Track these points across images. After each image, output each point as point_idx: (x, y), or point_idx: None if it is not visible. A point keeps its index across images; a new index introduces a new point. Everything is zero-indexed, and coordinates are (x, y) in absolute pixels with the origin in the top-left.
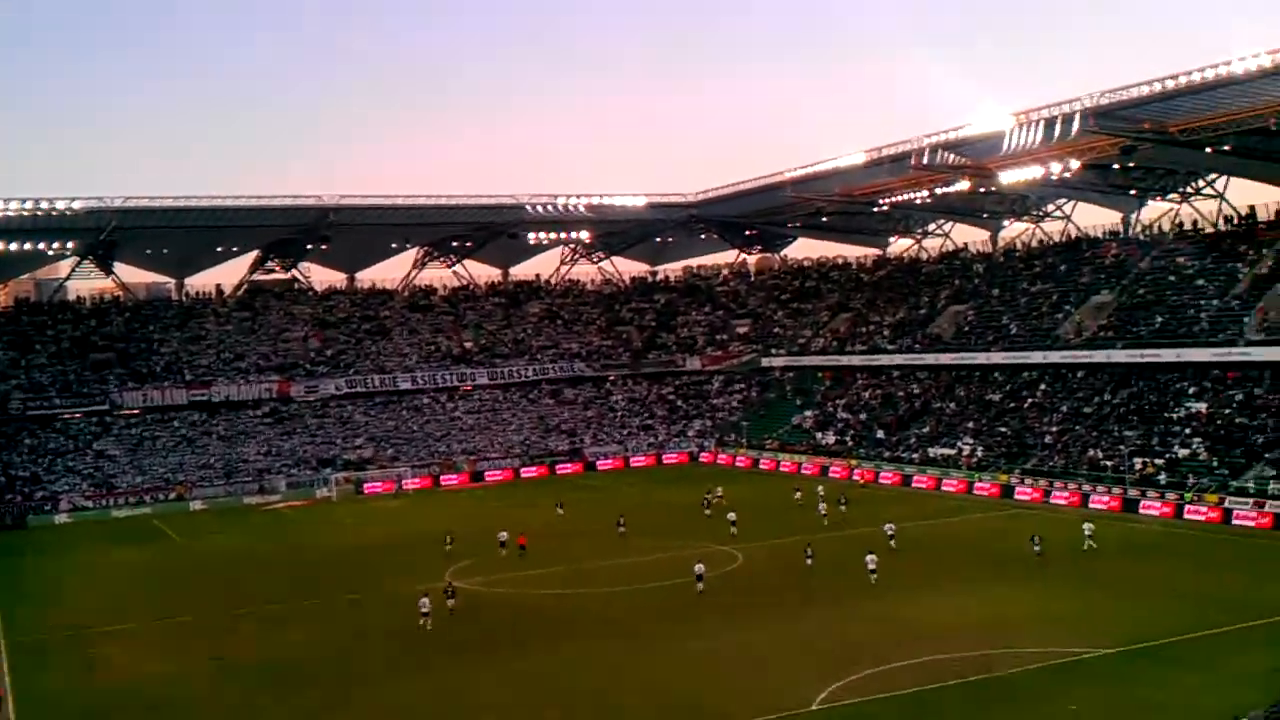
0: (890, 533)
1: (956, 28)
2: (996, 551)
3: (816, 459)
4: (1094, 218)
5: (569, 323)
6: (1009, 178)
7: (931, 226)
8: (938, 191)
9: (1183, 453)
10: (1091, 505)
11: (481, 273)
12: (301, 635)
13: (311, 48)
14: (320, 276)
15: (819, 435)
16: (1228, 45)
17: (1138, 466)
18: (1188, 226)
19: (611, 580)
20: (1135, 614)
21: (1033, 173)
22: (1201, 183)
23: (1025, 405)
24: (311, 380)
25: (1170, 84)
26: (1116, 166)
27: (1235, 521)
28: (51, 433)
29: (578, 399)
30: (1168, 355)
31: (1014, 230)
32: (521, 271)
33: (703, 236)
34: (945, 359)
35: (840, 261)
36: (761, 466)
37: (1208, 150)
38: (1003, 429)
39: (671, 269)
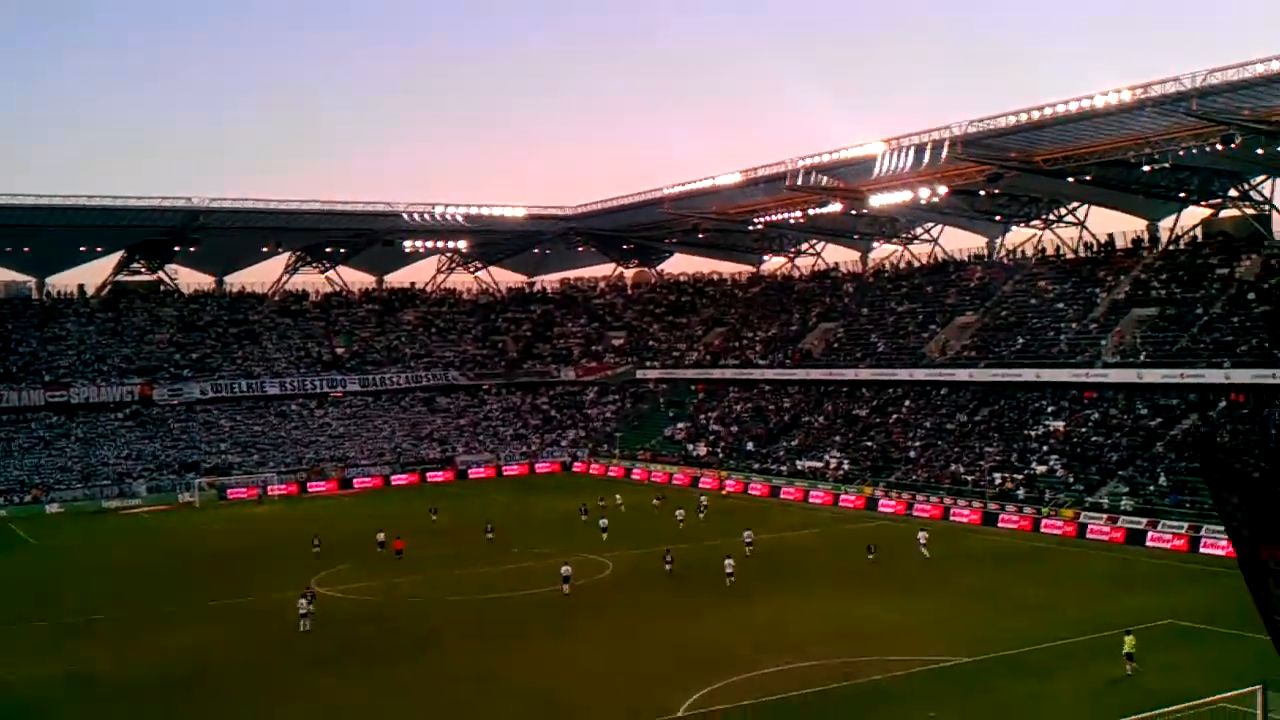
0: (748, 540)
1: (833, 56)
2: (860, 562)
3: (688, 470)
4: (960, 241)
5: (444, 331)
6: (879, 201)
7: (804, 246)
8: (811, 212)
9: (1040, 469)
10: (953, 518)
11: (356, 279)
12: (160, 643)
13: (187, 48)
14: (188, 279)
15: (691, 447)
16: (1090, 80)
17: (997, 481)
18: (1050, 252)
19: (483, 587)
20: (993, 623)
21: (902, 197)
22: (1064, 210)
23: (891, 420)
24: (175, 384)
25: (1036, 115)
26: (983, 193)
27: (1090, 536)
28: None
29: (451, 407)
30: (1028, 375)
31: (883, 252)
32: (397, 279)
33: (580, 249)
34: (815, 374)
35: (715, 277)
36: (634, 476)
37: (1070, 180)
38: (869, 443)
39: (549, 280)
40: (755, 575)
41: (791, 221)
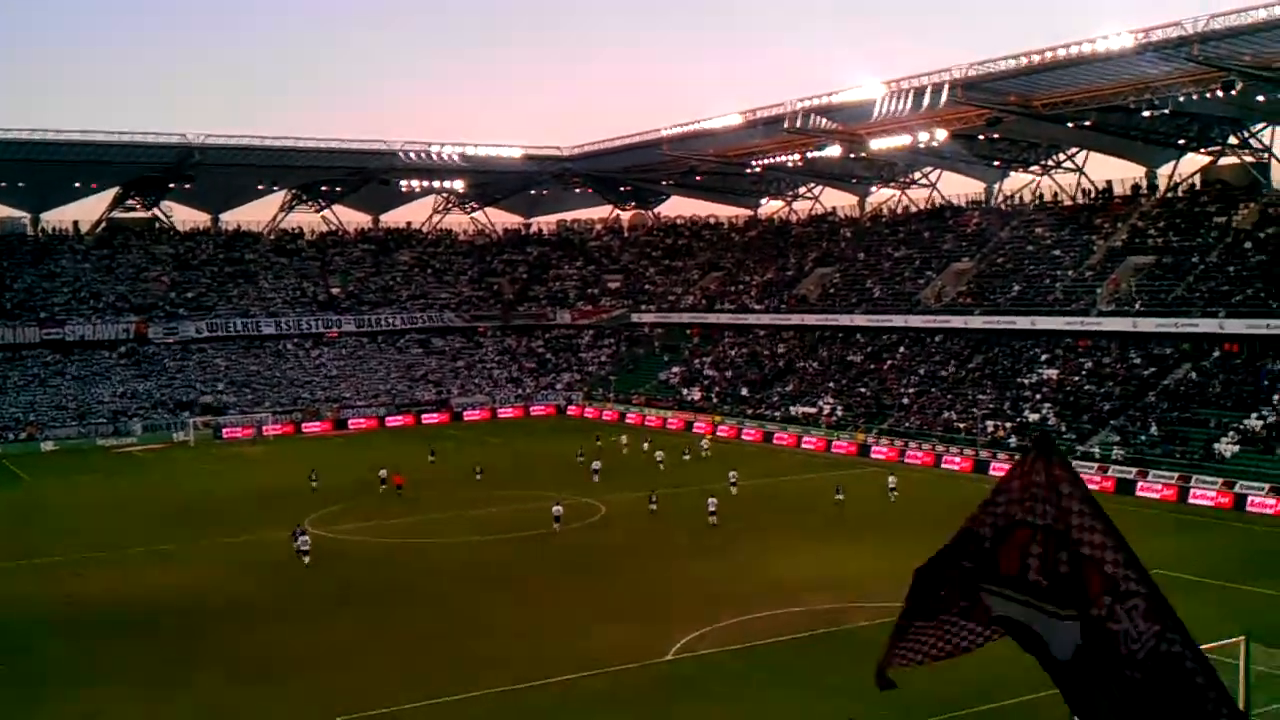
0: (733, 481)
1: None
2: (851, 508)
3: (682, 414)
4: (958, 187)
5: (440, 272)
6: (878, 144)
7: (802, 190)
8: (809, 155)
9: (1033, 417)
10: (944, 466)
11: (351, 219)
12: (156, 580)
13: None
14: (183, 216)
15: (685, 391)
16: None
17: (989, 429)
18: (1047, 199)
19: (477, 528)
20: None
21: (901, 140)
22: (1062, 156)
23: (885, 367)
24: (171, 322)
25: (1036, 59)
26: (981, 138)
27: None
28: None
29: (446, 349)
30: (1023, 323)
31: (881, 196)
32: (392, 219)
33: (577, 191)
34: (810, 320)
35: (712, 221)
36: (628, 420)
37: (1069, 125)
38: (862, 389)
39: (545, 222)
40: (745, 520)
41: (790, 165)
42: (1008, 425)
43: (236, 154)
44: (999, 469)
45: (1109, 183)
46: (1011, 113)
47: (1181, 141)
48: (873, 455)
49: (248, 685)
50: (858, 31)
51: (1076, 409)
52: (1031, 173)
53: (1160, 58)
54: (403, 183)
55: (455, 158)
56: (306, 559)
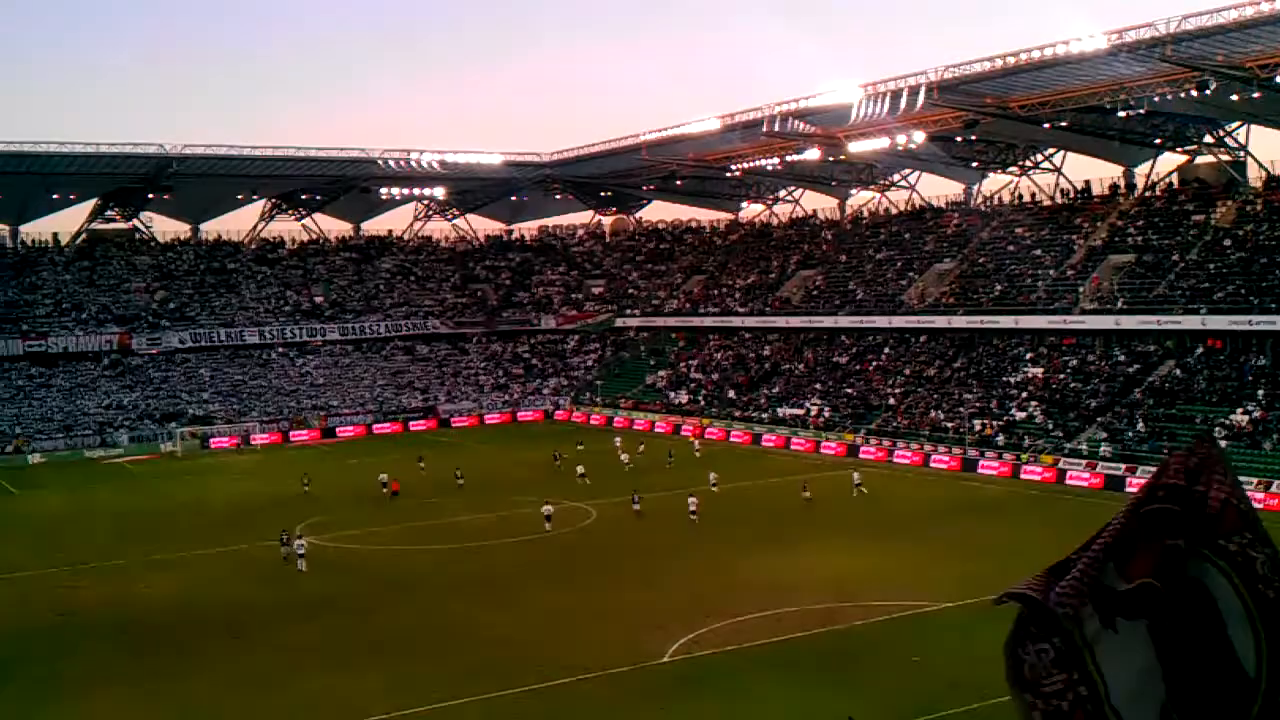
0: (713, 482)
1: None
2: (841, 509)
3: (670, 418)
4: (938, 188)
5: (423, 279)
6: (857, 147)
7: (782, 193)
8: (789, 159)
9: (1020, 415)
10: (933, 465)
11: (332, 227)
12: (150, 590)
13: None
14: (163, 227)
15: (672, 394)
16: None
17: (977, 428)
18: (1026, 199)
19: (467, 535)
20: (973, 569)
21: (880, 143)
22: (1040, 157)
23: (871, 368)
24: (154, 333)
25: (1012, 60)
26: (959, 139)
27: (1069, 482)
28: None
29: (432, 356)
30: (1006, 322)
31: (861, 199)
32: (374, 227)
33: (558, 197)
34: (795, 322)
35: (694, 225)
36: (615, 425)
37: (1046, 126)
38: (849, 390)
39: (527, 228)
40: (735, 521)
41: (769, 168)
42: (995, 423)
43: (215, 164)
44: (988, 467)
45: (1087, 182)
46: (988, 114)
47: (1158, 141)
48: (862, 455)
49: (242, 693)
50: (832, 34)
51: (1063, 406)
52: (1010, 173)
53: (1134, 59)
54: (383, 190)
55: (435, 165)
56: (302, 564)
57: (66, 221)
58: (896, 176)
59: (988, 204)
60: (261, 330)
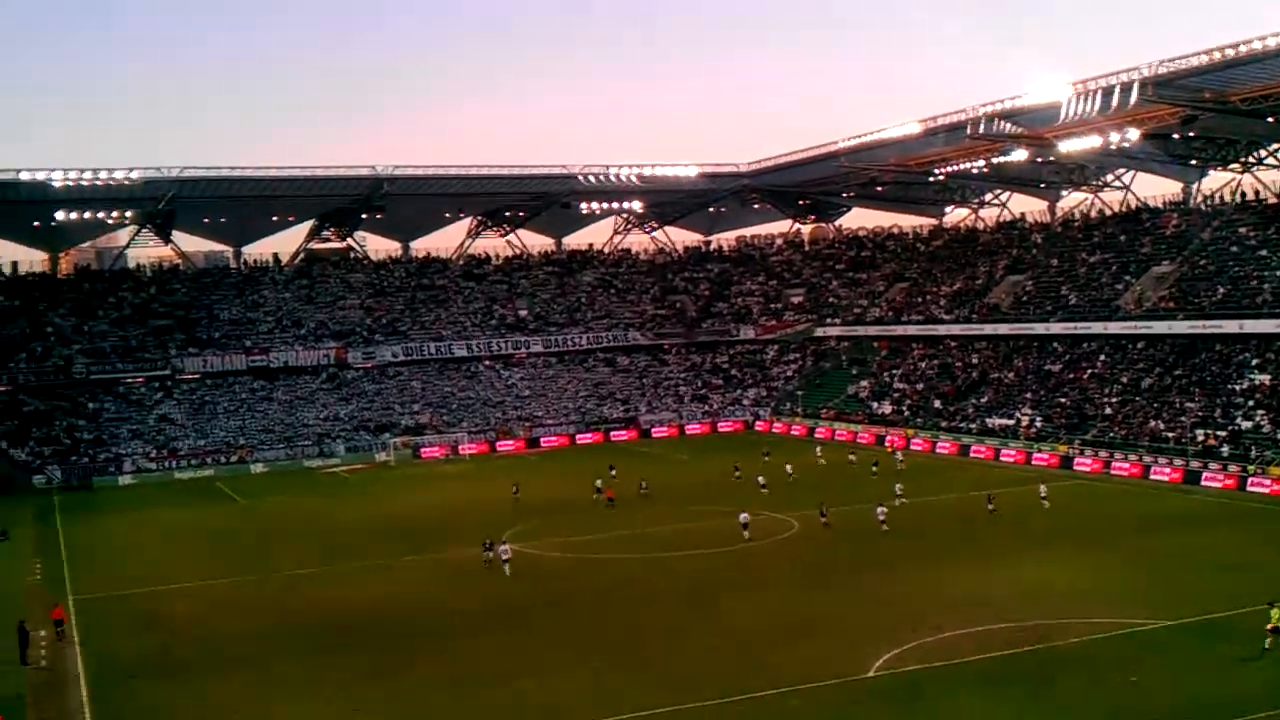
0: (899, 492)
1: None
2: (1052, 522)
3: (872, 428)
4: (1154, 188)
5: (623, 292)
6: (1067, 147)
7: (988, 196)
8: (994, 161)
9: (1246, 425)
10: (1152, 477)
11: (535, 242)
12: (370, 594)
13: (368, 19)
14: (375, 245)
15: (875, 405)
16: None
17: (1199, 438)
18: (1250, 197)
19: (670, 544)
20: (1193, 586)
21: (1091, 142)
22: (1264, 152)
23: (1085, 376)
24: (368, 347)
25: (1231, 53)
26: (1176, 136)
27: None
28: (114, 397)
29: (632, 367)
30: (1230, 326)
31: (1072, 200)
32: (574, 241)
33: (756, 206)
34: (1003, 329)
35: (896, 231)
36: (817, 435)
37: (1270, 120)
38: (1062, 400)
39: (725, 238)
40: (943, 535)
41: (974, 171)
42: (1219, 434)
43: (424, 183)
44: (1212, 479)
45: None
46: (1207, 109)
47: None
48: (1076, 467)
49: (448, 694)
50: (1032, 33)
51: None
52: (1232, 170)
53: None
54: (583, 205)
55: (633, 178)
56: (507, 569)
57: (286, 242)
58: (1110, 176)
59: (1208, 203)
60: (469, 343)
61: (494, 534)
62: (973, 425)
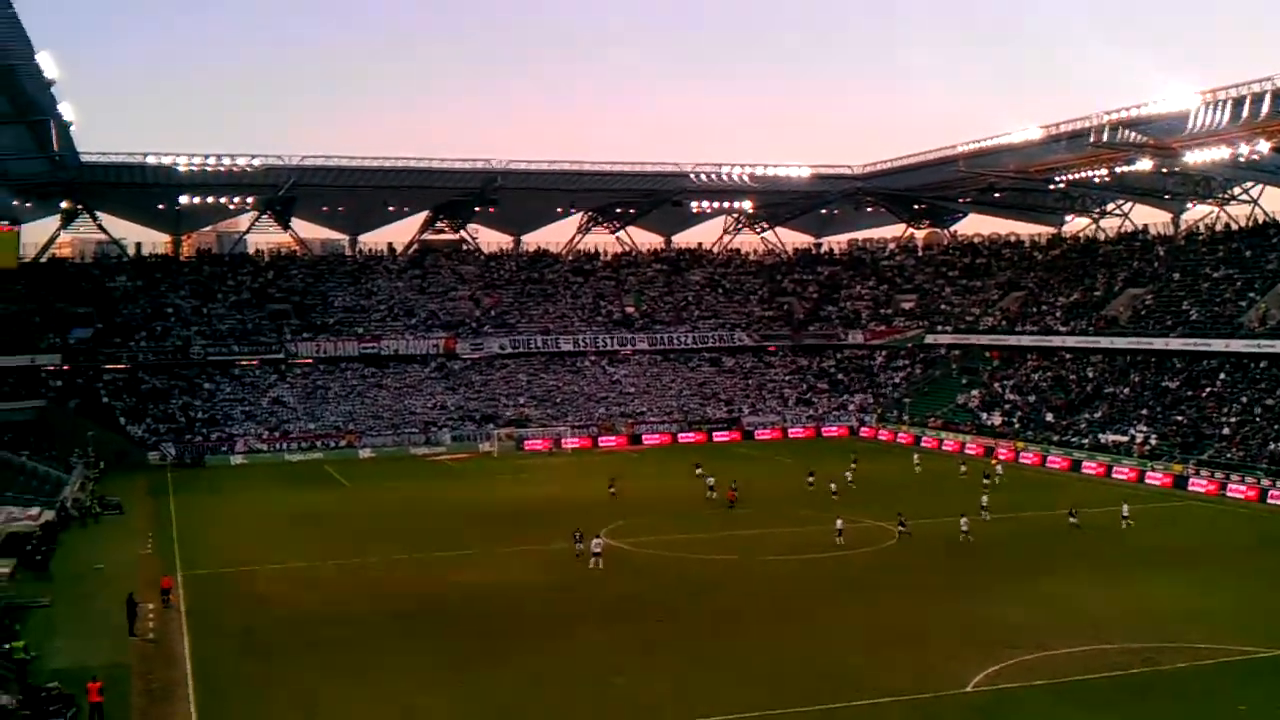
0: (984, 504)
1: (1135, 5)
2: (1165, 543)
3: (981, 439)
4: None
5: (730, 292)
6: (1193, 158)
7: (1110, 206)
8: (1117, 170)
9: None
10: (1270, 500)
11: (644, 239)
12: (468, 581)
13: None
14: (487, 238)
15: (984, 415)
16: None
17: None
18: None
19: (769, 547)
20: None
21: (1219, 153)
22: None
23: (1203, 394)
24: (477, 338)
25: None
26: None
27: None
28: (229, 378)
29: (737, 368)
30: None
31: (1197, 213)
32: (684, 239)
33: (869, 209)
34: (1120, 343)
35: (1012, 239)
36: (923, 445)
37: None
38: (1179, 418)
39: (835, 241)
40: (1048, 552)
41: (1096, 180)
42: None
43: (536, 178)
44: None
45: None
46: None
47: None
48: (1191, 488)
49: (535, 685)
50: (1164, 39)
51: None
52: None
53: None
54: (693, 204)
55: (744, 178)
56: (599, 563)
57: (400, 232)
58: (1237, 189)
59: None
60: (575, 338)
61: (591, 528)
62: (1085, 440)
